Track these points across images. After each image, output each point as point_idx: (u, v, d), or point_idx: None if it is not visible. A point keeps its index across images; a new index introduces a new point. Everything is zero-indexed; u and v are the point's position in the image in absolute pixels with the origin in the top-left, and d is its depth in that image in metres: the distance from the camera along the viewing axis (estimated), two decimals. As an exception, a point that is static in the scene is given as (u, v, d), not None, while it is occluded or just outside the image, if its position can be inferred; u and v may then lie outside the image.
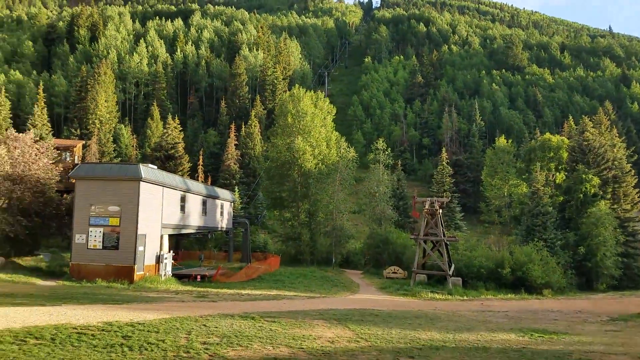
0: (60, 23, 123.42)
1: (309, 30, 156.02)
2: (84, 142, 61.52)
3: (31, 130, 32.84)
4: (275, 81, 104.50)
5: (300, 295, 24.34)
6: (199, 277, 30.90)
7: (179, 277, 30.54)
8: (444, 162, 69.95)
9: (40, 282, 23.82)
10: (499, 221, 60.00)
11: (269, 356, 10.00)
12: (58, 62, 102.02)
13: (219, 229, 40.41)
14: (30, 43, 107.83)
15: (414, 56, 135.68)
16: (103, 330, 11.34)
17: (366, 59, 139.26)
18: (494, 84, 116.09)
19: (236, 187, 57.40)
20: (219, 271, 32.25)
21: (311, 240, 43.48)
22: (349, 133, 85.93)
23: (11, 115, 62.81)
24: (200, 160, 61.57)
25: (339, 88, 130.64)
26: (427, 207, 34.85)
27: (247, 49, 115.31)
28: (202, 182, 50.05)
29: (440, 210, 35.22)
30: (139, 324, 12.37)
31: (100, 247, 26.80)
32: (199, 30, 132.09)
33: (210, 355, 9.77)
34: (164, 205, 29.84)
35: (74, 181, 28.26)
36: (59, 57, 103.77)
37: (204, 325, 12.93)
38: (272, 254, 42.69)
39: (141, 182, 27.14)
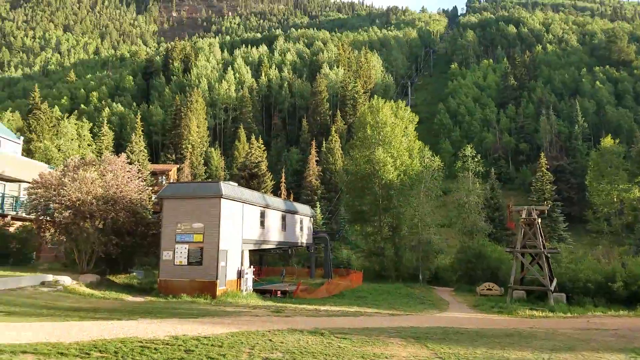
0: (157, 58, 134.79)
1: (391, 42, 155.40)
2: (178, 166, 65.73)
3: (122, 154, 35.42)
4: (356, 95, 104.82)
5: (381, 313, 23.21)
6: (279, 292, 30.94)
7: (260, 292, 30.82)
8: (543, 169, 64.81)
9: (129, 298, 25.08)
10: (608, 230, 53.88)
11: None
12: (155, 93, 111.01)
13: (299, 244, 40.46)
14: (131, 77, 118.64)
15: (504, 59, 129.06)
16: (167, 344, 11.30)
17: (452, 65, 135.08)
18: (597, 82, 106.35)
19: (318, 202, 57.63)
20: (299, 287, 32.03)
21: (395, 256, 41.97)
22: (435, 142, 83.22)
23: (114, 143, 68.77)
24: (283, 177, 62.82)
25: (424, 97, 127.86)
26: (523, 216, 31.97)
27: (328, 67, 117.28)
28: (284, 198, 50.82)
29: (539, 220, 32.15)
30: (205, 338, 12.23)
31: (186, 263, 27.82)
32: (282, 54, 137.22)
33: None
34: (244, 221, 30.44)
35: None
36: (156, 89, 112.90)
37: (270, 340, 12.50)
38: (355, 270, 41.79)
39: (222, 199, 27.92)
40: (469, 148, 52.36)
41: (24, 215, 30.90)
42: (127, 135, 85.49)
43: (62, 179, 29.04)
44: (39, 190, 29.17)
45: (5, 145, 36.80)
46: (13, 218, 31.81)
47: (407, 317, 22.45)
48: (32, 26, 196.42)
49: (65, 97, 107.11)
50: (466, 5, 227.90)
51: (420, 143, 46.81)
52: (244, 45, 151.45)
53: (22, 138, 42.79)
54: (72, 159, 34.64)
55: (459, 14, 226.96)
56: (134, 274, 33.46)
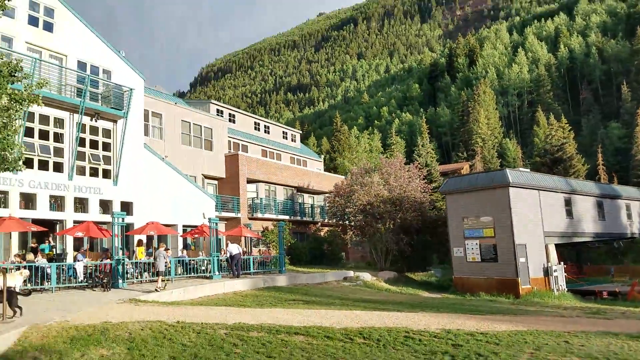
0: (442, 60, 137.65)
1: None
2: (469, 163, 64.59)
3: (399, 155, 36.65)
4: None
5: None
6: (605, 293, 26.18)
7: (581, 293, 26.79)
8: None
9: (425, 294, 25.32)
10: None
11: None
12: (441, 95, 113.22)
13: (628, 235, 33.25)
14: (417, 85, 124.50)
15: None
16: (435, 337, 10.47)
17: None
18: None
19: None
20: (634, 287, 26.23)
21: None
22: None
23: (405, 151, 72.81)
24: (600, 158, 53.68)
25: None
26: None
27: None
28: (604, 182, 43.11)
29: None
30: (481, 333, 10.86)
31: (479, 260, 26.49)
32: (586, 17, 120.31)
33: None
34: (542, 211, 27.04)
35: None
36: (442, 90, 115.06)
37: (566, 342, 10.15)
38: None
39: (510, 188, 25.59)
40: None
41: (327, 221, 35.43)
42: (416, 141, 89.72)
43: (353, 186, 32.09)
44: (336, 198, 33.01)
45: (311, 164, 43.48)
46: (322, 224, 36.95)
47: None
48: (332, 62, 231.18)
49: (360, 118, 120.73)
50: None
51: None
52: (535, 21, 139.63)
53: (322, 156, 49.89)
54: (355, 167, 38.12)
55: None
56: (432, 271, 33.96)
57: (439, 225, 31.93)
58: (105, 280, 15.87)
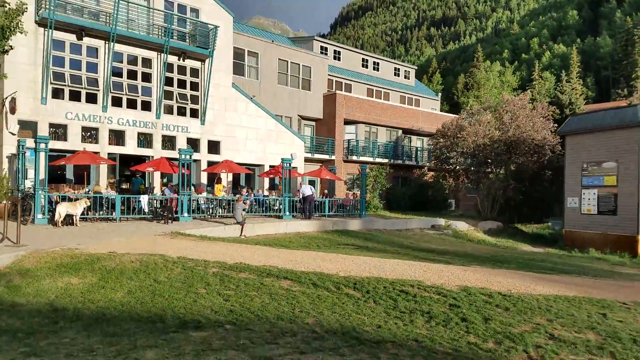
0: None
1: None
2: (627, 101, 55.28)
3: (527, 91, 32.25)
4: None
5: None
6: None
7: None
8: None
9: (525, 247, 22.87)
10: None
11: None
12: (604, 21, 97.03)
13: None
14: (575, 12, 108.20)
15: None
16: (440, 294, 9.20)
17: None
18: None
19: None
20: None
21: None
22: None
23: (554, 87, 64.67)
24: None
25: None
26: None
27: None
28: None
29: None
30: (503, 295, 9.21)
31: (595, 212, 23.00)
32: None
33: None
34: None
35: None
36: (605, 17, 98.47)
37: (604, 314, 8.17)
38: None
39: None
40: None
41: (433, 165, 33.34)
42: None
43: (461, 123, 29.52)
44: (440, 139, 30.80)
45: (425, 104, 40.94)
46: (429, 169, 35.01)
47: None
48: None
49: (506, 51, 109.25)
50: None
51: None
52: None
53: (439, 94, 46.47)
54: (471, 105, 34.81)
55: None
56: (549, 223, 30.47)
57: (560, 172, 28.23)
58: (165, 214, 16.94)
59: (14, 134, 18.73)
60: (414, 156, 35.42)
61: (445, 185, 32.50)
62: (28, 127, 19.12)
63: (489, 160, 28.99)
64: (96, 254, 10.49)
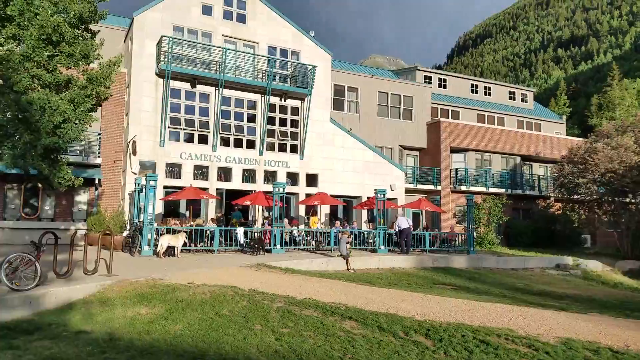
0: None
1: None
2: None
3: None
4: None
5: None
6: None
7: None
8: None
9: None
10: None
11: None
12: None
13: None
14: None
15: None
16: (530, 346, 7.71)
17: None
18: None
19: None
20: None
21: None
22: None
23: None
24: None
25: None
26: None
27: None
28: None
29: None
30: (617, 353, 7.47)
31: None
32: None
33: None
34: None
35: None
36: None
37: None
38: None
39: None
40: None
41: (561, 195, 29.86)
42: None
43: (593, 146, 26.24)
44: (565, 165, 27.68)
45: (547, 128, 37.40)
46: (556, 200, 31.49)
47: None
48: (616, 5, 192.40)
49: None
50: None
51: None
52: None
53: (564, 117, 42.03)
54: (607, 124, 30.92)
55: None
56: None
57: None
58: (256, 246, 17.05)
59: (135, 174, 20.48)
60: (536, 185, 32.25)
61: (573, 218, 28.92)
62: (148, 167, 20.83)
63: (626, 189, 25.24)
64: (174, 285, 10.64)
